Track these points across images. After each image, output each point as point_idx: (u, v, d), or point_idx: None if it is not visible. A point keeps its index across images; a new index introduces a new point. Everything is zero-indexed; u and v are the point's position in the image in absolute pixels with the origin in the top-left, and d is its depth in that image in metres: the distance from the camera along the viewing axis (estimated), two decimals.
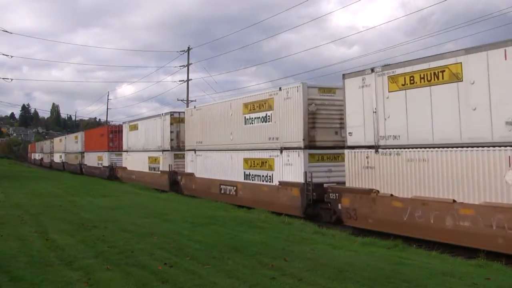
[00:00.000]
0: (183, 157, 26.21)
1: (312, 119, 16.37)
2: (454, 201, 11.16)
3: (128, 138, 35.37)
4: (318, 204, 15.69)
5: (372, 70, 13.47)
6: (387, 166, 12.93)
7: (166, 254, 9.25)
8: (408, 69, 12.36)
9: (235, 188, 20.23)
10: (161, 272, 7.87)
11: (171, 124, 27.73)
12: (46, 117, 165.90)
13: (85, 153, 48.62)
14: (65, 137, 61.36)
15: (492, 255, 10.27)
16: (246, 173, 19.52)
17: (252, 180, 19.09)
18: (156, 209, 17.58)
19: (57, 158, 64.26)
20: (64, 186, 29.09)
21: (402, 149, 12.54)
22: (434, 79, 11.70)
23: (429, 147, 11.79)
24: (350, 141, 14.26)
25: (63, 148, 59.44)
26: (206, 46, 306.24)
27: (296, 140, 16.48)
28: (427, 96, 11.83)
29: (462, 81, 11.05)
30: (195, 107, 25.28)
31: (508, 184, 10.05)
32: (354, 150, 14.04)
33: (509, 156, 10.05)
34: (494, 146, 10.36)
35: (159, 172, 28.79)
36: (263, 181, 18.42)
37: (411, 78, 12.27)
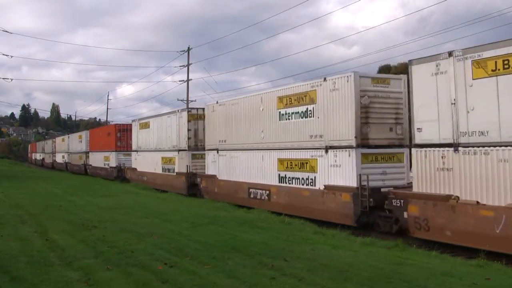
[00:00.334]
0: (202, 157, 24.30)
1: (364, 114, 14.42)
2: None
3: (138, 137, 33.15)
4: (374, 211, 13.77)
5: (450, 54, 11.54)
6: (471, 168, 10.95)
7: (166, 254, 9.25)
8: (502, 51, 10.32)
9: (267, 192, 18.16)
10: (161, 272, 7.87)
11: (188, 121, 25.49)
12: (46, 117, 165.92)
13: (90, 153, 46.71)
14: (68, 137, 59.39)
15: (492, 255, 10.26)
16: (281, 176, 17.47)
17: (289, 183, 17.00)
18: (156, 209, 17.57)
19: (59, 158, 62.37)
20: (64, 186, 29.08)
21: (491, 148, 10.55)
22: None
23: None
24: (420, 139, 12.24)
25: (66, 148, 57.50)
26: (206, 46, 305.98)
27: (346, 137, 14.50)
28: None
29: None
30: (217, 102, 22.60)
31: None
32: (425, 149, 12.09)
33: None
34: None
35: (175, 173, 26.70)
36: (302, 184, 16.27)
37: (505, 62, 10.27)
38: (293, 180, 16.83)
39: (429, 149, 11.99)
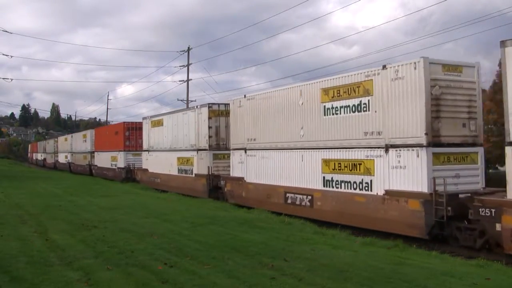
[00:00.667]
0: (224, 157, 22.21)
1: (435, 107, 12.37)
2: None
3: (150, 136, 30.60)
4: (451, 222, 11.64)
5: None
6: None
7: (166, 254, 9.25)
8: None
9: (309, 197, 15.83)
10: (161, 272, 7.87)
11: (209, 118, 23.01)
12: (46, 117, 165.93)
13: (95, 153, 44.14)
14: (72, 136, 56.42)
15: (492, 255, 10.26)
16: (326, 179, 15.14)
17: (337, 187, 14.72)
18: (156, 209, 17.58)
19: (62, 159, 59.69)
20: (64, 186, 29.09)
21: None
22: None
23: None
24: None
25: (69, 147, 54.85)
26: (206, 46, 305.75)
27: (413, 134, 12.40)
28: None
29: None
30: (245, 96, 20.00)
31: None
32: None
33: None
34: None
35: (193, 175, 24.15)
36: (355, 189, 14.07)
37: None
38: (343, 184, 14.53)
39: None
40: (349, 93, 14.41)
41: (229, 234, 11.83)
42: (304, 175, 16.22)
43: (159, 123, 29.29)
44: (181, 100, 48.96)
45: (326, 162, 15.29)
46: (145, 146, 31.75)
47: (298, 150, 16.50)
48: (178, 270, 8.03)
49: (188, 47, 47.05)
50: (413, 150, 12.39)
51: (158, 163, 29.11)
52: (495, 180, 17.17)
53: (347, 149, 14.48)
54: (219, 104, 23.45)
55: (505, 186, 10.47)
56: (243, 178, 19.79)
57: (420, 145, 12.18)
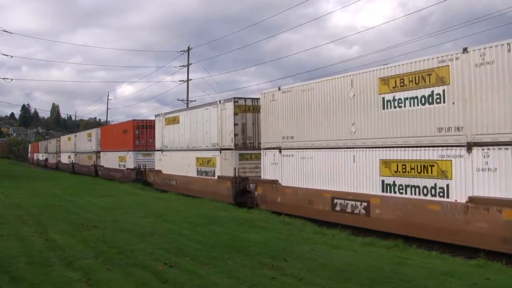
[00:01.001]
0: (252, 157, 20.40)
1: None
2: None
3: (164, 134, 28.33)
4: None
5: None
6: None
7: (166, 254, 9.25)
8: None
9: (365, 204, 13.70)
10: (161, 272, 7.87)
11: (235, 114, 20.61)
12: (46, 117, 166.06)
13: (101, 152, 41.94)
14: (75, 135, 54.16)
15: (492, 255, 10.26)
16: (386, 183, 13.05)
17: (400, 192, 12.62)
18: (156, 209, 17.58)
19: (65, 159, 57.75)
20: (64, 186, 29.08)
21: None
22: None
23: None
24: None
25: (73, 147, 52.80)
26: (206, 46, 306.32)
27: (506, 130, 10.43)
28: None
29: None
30: (279, 89, 17.69)
31: None
32: None
33: None
34: None
35: (215, 178, 21.94)
36: (425, 195, 11.99)
37: None
38: (408, 189, 12.45)
39: None
40: (417, 82, 12.38)
41: (229, 234, 11.83)
42: (357, 178, 14.06)
43: (174, 121, 26.98)
44: (181, 100, 49.01)
45: (385, 163, 13.20)
46: (158, 146, 29.49)
47: (349, 150, 14.37)
48: (178, 270, 8.03)
49: (188, 47, 47.12)
50: (506, 149, 10.35)
51: (174, 164, 26.84)
52: None
53: (415, 148, 12.30)
54: (245, 99, 21.06)
55: None
56: (277, 181, 17.58)
57: None
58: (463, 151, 11.21)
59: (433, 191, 11.85)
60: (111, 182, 34.86)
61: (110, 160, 38.77)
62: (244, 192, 19.85)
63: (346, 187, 14.44)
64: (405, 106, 12.67)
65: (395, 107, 12.96)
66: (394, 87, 12.99)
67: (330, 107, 15.14)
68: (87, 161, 46.28)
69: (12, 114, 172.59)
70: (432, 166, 11.93)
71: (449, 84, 11.62)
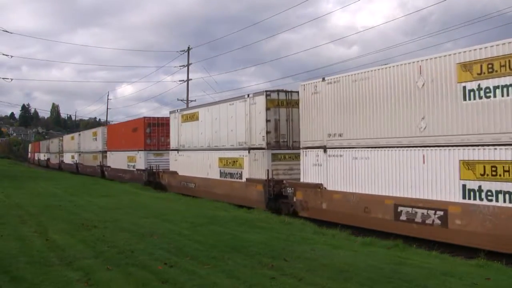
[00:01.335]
0: (286, 158, 18.44)
1: None
2: None
3: (181, 133, 26.06)
4: None
5: None
6: None
7: (166, 254, 9.25)
8: None
9: (440, 213, 11.66)
10: (161, 272, 7.88)
11: (267, 109, 18.41)
12: (46, 117, 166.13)
13: (108, 152, 39.56)
14: (79, 134, 51.80)
15: (492, 255, 10.27)
16: (469, 188, 11.03)
17: (489, 200, 10.60)
18: (156, 209, 17.57)
19: (68, 159, 55.48)
20: (64, 186, 29.06)
21: None
22: None
23: None
24: None
25: (77, 147, 50.66)
26: (206, 46, 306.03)
27: None
28: None
29: None
30: (324, 80, 15.50)
31: None
32: None
33: None
34: None
35: (243, 180, 19.83)
36: None
37: None
38: (501, 196, 10.39)
39: None
40: None
41: (229, 234, 11.83)
42: (428, 182, 11.99)
43: (192, 117, 24.76)
44: (181, 100, 48.96)
45: (467, 164, 11.16)
46: (173, 145, 27.17)
47: (417, 149, 12.35)
48: (178, 270, 8.03)
49: (188, 47, 47.09)
50: None
51: (192, 165, 24.59)
52: None
53: (509, 147, 10.33)
54: (278, 92, 18.87)
55: None
56: (321, 185, 15.37)
57: None
58: None
59: None
60: (111, 182, 34.78)
61: (118, 160, 36.76)
62: (278, 197, 17.64)
63: (413, 193, 12.26)
64: (494, 96, 10.62)
65: (480, 97, 10.91)
66: (479, 74, 10.96)
67: (391, 99, 13.01)
68: (92, 161, 44.31)
69: (12, 114, 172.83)
70: None
71: None
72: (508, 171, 10.26)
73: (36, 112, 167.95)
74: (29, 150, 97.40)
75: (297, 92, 17.63)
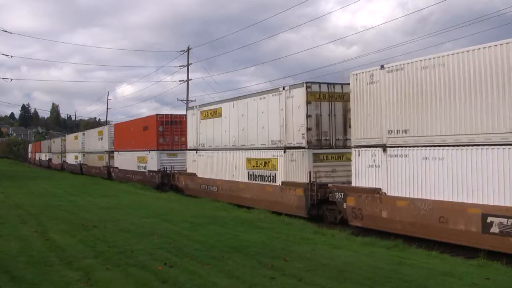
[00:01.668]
0: (328, 158, 16.33)
1: None
2: None
3: (200, 131, 23.94)
4: None
5: None
6: None
7: (166, 254, 9.26)
8: None
9: None
10: (161, 272, 7.88)
11: (307, 103, 16.28)
12: (46, 117, 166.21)
13: (115, 152, 37.36)
14: (83, 133, 49.79)
15: (492, 255, 10.27)
16: None
17: None
18: (156, 209, 17.58)
19: (71, 159, 53.46)
20: (64, 186, 29.09)
21: None
22: None
23: None
24: None
25: (80, 146, 48.63)
26: (206, 46, 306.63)
27: None
28: None
29: None
30: (382, 67, 13.25)
31: None
32: None
33: None
34: None
35: (277, 184, 17.61)
36: None
37: None
38: None
39: None
40: None
41: (229, 234, 11.83)
42: None
43: (214, 114, 22.66)
44: (181, 100, 48.97)
45: None
46: (191, 144, 25.08)
47: None
48: (178, 270, 8.03)
49: (188, 47, 47.11)
50: None
51: (214, 166, 22.46)
52: None
53: None
54: (320, 84, 16.73)
55: None
56: (379, 189, 13.29)
57: None
58: None
59: None
60: (111, 182, 34.75)
61: (126, 161, 34.49)
62: (323, 203, 15.67)
63: (507, 200, 10.16)
64: None
65: None
66: None
67: (475, 88, 10.95)
68: (98, 162, 42.07)
69: (12, 114, 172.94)
70: None
71: None
72: None
73: (36, 112, 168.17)
74: (29, 150, 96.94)
75: (340, 84, 16.51)
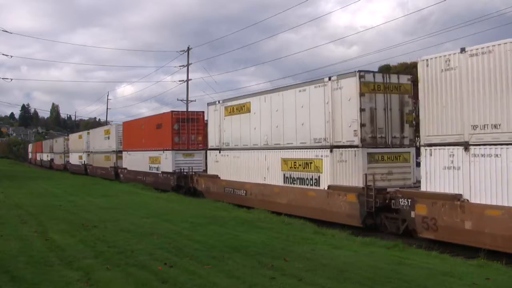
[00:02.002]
0: (384, 159, 14.44)
1: None
2: None
3: (224, 128, 21.92)
4: None
5: None
6: None
7: (166, 254, 9.26)
8: None
9: None
10: (161, 272, 7.88)
11: (360, 94, 14.25)
12: (46, 117, 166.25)
13: (124, 152, 35.23)
14: (88, 132, 47.42)
15: (492, 255, 10.27)
16: None
17: None
18: (156, 209, 17.57)
19: (75, 159, 51.36)
20: (64, 186, 29.08)
21: None
22: None
23: None
24: None
25: (85, 146, 46.71)
26: (206, 46, 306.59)
27: None
28: None
29: None
30: (463, 50, 11.41)
31: None
32: None
33: None
34: None
35: (323, 188, 15.52)
36: None
37: None
38: None
39: None
40: None
41: (229, 234, 11.83)
42: None
43: (241, 109, 20.62)
44: (181, 100, 48.94)
45: None
46: (212, 143, 23.15)
47: None
48: (178, 270, 8.03)
49: (188, 47, 47.10)
50: None
51: (241, 167, 20.49)
52: None
53: None
54: (374, 73, 14.81)
55: None
56: (460, 196, 11.31)
57: None
58: None
59: None
60: (111, 182, 34.72)
61: (136, 161, 32.42)
62: (382, 210, 13.63)
63: None
64: None
65: None
66: None
67: None
68: (104, 162, 39.94)
69: (12, 114, 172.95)
70: None
71: None
72: None
73: (36, 112, 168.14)
74: (29, 150, 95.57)
75: (396, 74, 15.00)
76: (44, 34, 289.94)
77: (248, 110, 20.08)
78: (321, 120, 15.72)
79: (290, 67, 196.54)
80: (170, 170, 26.90)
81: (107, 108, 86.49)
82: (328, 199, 15.19)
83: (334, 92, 15.20)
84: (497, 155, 10.59)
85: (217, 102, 22.94)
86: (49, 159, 68.16)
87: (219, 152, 22.29)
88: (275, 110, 18.24)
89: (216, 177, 22.43)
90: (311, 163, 16.17)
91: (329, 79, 15.47)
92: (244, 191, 20.05)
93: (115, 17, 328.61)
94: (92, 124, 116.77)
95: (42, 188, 27.80)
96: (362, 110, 14.26)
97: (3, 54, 76.61)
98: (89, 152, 45.68)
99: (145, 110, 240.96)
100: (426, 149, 12.25)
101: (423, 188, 12.37)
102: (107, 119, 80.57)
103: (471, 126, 11.19)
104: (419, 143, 12.87)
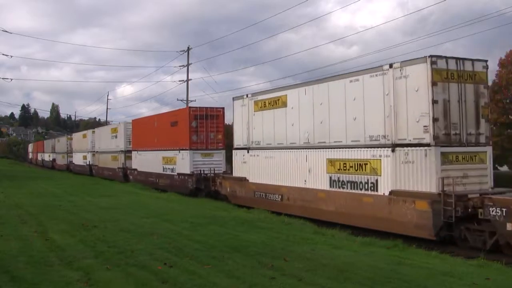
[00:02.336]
0: (459, 159, 12.36)
1: None
2: None
3: (253, 125, 19.72)
4: None
5: None
6: None
7: (166, 254, 9.26)
8: None
9: None
10: (161, 272, 7.88)
11: (432, 84, 12.10)
12: (46, 117, 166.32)
13: (133, 152, 32.93)
14: (93, 131, 44.73)
15: (492, 255, 10.27)
16: None
17: None
18: (156, 209, 17.58)
19: (78, 160, 49.32)
20: (64, 186, 29.08)
21: None
22: None
23: None
24: None
25: (89, 146, 44.63)
26: (206, 46, 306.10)
27: None
28: None
29: None
30: None
31: None
32: None
33: None
34: None
35: (383, 193, 13.31)
36: None
37: None
38: None
39: None
40: None
41: (229, 234, 11.84)
42: None
43: (276, 103, 18.36)
44: (181, 100, 48.89)
45: None
46: (239, 142, 20.82)
47: None
48: (178, 270, 8.03)
49: (188, 47, 47.03)
50: None
51: (275, 169, 18.21)
52: None
53: None
54: (447, 58, 12.49)
55: None
56: None
57: None
58: None
59: None
60: (111, 182, 34.72)
61: (148, 162, 30.07)
62: (462, 221, 11.50)
63: None
64: None
65: None
66: None
67: None
68: (111, 163, 37.60)
69: (12, 114, 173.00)
70: None
71: None
72: None
73: (36, 112, 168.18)
74: (30, 150, 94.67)
75: (470, 60, 12.80)
76: (44, 34, 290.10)
77: (284, 104, 17.79)
78: (379, 114, 13.52)
79: (290, 67, 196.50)
80: (188, 172, 24.52)
81: (107, 108, 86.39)
82: (389, 207, 12.98)
83: (397, 82, 13.02)
84: None
85: (245, 96, 20.47)
86: (51, 159, 66.01)
87: (248, 152, 20.03)
88: (319, 103, 15.92)
89: (243, 179, 20.14)
90: (366, 164, 13.95)
91: (390, 66, 13.29)
92: (280, 196, 17.72)
93: (115, 17, 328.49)
94: (92, 124, 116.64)
95: (42, 188, 27.80)
96: (434, 102, 12.13)
97: (3, 54, 76.45)
98: (94, 152, 43.35)
99: (145, 110, 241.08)
100: None
101: None
102: (107, 119, 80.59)
103: None
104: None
